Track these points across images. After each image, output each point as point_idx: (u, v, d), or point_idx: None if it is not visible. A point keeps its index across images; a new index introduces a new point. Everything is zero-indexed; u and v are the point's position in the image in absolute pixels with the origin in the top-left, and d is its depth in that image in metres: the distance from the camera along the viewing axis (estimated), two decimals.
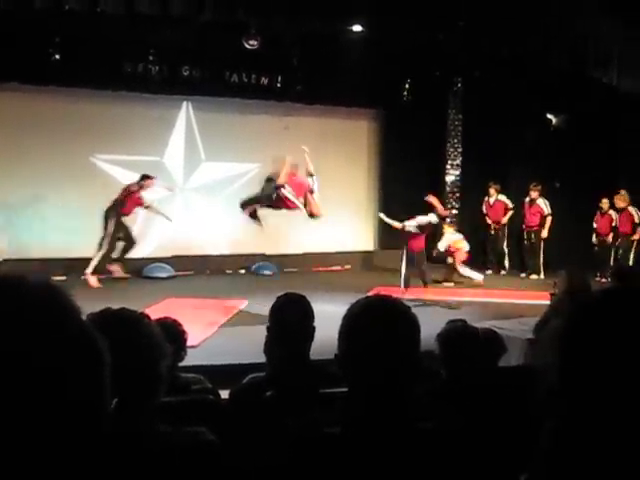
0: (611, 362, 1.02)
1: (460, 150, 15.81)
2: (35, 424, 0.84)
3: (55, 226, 12.56)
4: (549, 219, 13.74)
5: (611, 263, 13.23)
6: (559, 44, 11.26)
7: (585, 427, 1.04)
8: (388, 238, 15.83)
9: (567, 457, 1.05)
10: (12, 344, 0.85)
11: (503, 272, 14.38)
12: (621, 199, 13.28)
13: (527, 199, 14.05)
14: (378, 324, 1.78)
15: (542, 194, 13.86)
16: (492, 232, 14.43)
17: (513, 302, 10.81)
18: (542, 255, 13.87)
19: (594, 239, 13.73)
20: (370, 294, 2.06)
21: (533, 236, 13.97)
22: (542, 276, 13.45)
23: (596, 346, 1.04)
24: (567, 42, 11.30)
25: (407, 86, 14.91)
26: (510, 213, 14.34)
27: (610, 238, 13.53)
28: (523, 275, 14.01)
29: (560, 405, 1.07)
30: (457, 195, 15.78)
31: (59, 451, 0.87)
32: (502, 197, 14.35)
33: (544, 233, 13.81)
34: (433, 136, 15.44)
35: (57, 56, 11.94)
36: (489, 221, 14.49)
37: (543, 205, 13.81)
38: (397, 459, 1.69)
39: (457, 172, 15.86)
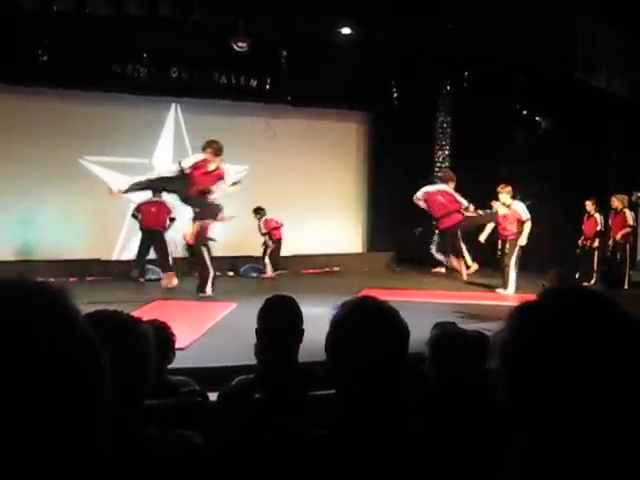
0: (547, 365, 1.01)
1: (449, 152, 15.84)
2: (35, 425, 0.84)
3: (42, 228, 12.51)
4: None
5: (594, 266, 13.09)
6: (548, 47, 11.30)
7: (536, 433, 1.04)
8: (377, 240, 15.89)
9: (530, 463, 1.05)
10: (18, 346, 0.84)
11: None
12: (618, 200, 12.85)
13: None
14: (363, 326, 1.78)
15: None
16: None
17: (501, 304, 10.82)
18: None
19: (580, 242, 13.41)
20: (358, 296, 2.05)
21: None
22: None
23: (533, 351, 1.03)
24: (556, 45, 11.33)
25: (395, 89, 14.95)
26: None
27: (595, 242, 13.19)
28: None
29: (508, 412, 1.07)
30: None
31: (55, 456, 0.86)
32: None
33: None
34: (422, 138, 15.47)
35: (45, 57, 11.90)
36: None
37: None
38: (385, 461, 1.69)
39: None
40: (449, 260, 12.42)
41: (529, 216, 11.75)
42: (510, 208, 11.76)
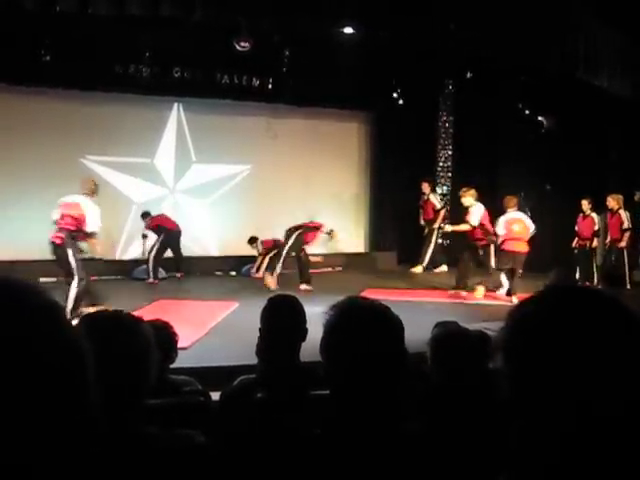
0: (549, 362, 1.02)
1: (451, 152, 15.84)
2: (18, 426, 0.83)
3: (43, 227, 12.48)
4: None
5: (594, 268, 12.82)
6: (550, 47, 11.29)
7: (538, 428, 1.04)
8: (379, 240, 15.88)
9: (532, 459, 1.06)
10: None
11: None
12: (614, 200, 12.65)
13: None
14: (356, 327, 1.77)
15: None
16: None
17: (503, 304, 10.82)
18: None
19: (574, 242, 13.07)
20: (350, 296, 2.03)
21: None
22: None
23: (535, 347, 1.04)
24: (558, 45, 11.32)
25: (398, 90, 14.95)
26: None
27: (593, 242, 12.90)
28: None
29: (513, 410, 1.08)
30: (447, 198, 15.80)
31: (42, 454, 0.85)
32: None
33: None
34: (424, 138, 15.47)
35: (48, 57, 11.91)
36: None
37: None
38: (383, 461, 1.69)
39: (448, 174, 15.89)
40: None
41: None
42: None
